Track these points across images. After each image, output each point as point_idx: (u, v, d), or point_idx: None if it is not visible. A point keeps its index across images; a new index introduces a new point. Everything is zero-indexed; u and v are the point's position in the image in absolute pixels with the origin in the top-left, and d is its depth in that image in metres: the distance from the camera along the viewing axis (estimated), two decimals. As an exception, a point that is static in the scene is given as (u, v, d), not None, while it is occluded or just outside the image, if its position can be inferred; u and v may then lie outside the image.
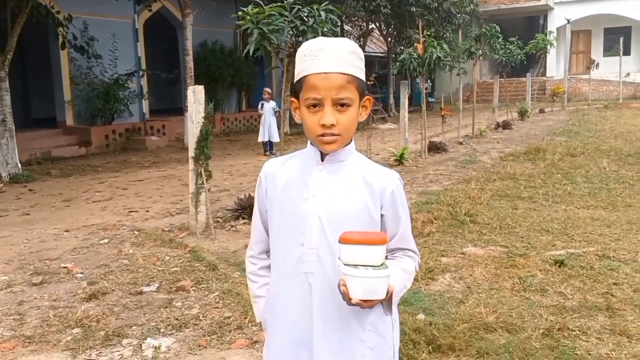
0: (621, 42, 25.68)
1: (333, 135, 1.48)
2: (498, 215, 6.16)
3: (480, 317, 3.56)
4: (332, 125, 1.46)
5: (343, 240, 1.36)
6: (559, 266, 4.45)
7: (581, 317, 3.55)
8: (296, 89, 1.53)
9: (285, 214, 1.56)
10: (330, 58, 1.46)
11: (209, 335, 3.50)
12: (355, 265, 1.34)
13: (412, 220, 5.74)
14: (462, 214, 6.14)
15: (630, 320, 3.49)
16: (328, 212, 1.52)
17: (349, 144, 1.55)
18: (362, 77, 1.53)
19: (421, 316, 3.62)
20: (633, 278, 4.18)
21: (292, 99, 1.57)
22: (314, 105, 1.48)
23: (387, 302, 1.44)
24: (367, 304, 1.36)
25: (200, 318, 3.77)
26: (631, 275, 4.25)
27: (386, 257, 1.42)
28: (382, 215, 1.55)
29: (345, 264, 1.35)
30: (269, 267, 1.68)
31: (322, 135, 1.48)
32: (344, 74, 1.47)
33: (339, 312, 1.51)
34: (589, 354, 3.08)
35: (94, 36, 13.51)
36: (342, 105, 1.47)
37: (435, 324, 3.45)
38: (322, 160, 1.55)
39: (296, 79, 1.53)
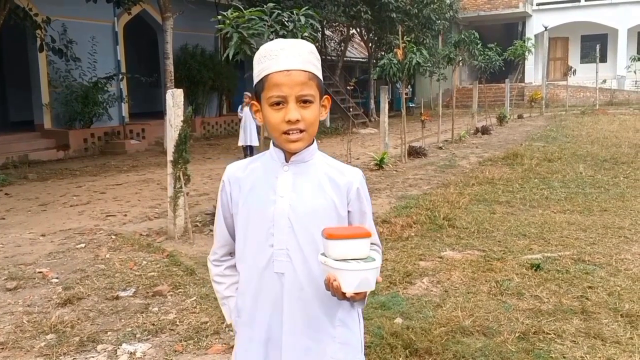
0: (597, 49, 26.17)
1: (299, 131, 1.50)
2: (476, 220, 6.21)
3: (457, 320, 3.59)
4: (298, 120, 1.48)
5: (330, 237, 1.38)
6: (535, 270, 4.50)
7: (556, 321, 3.59)
8: (257, 89, 1.55)
9: (253, 216, 1.57)
10: (292, 56, 1.49)
11: (185, 341, 3.47)
12: (346, 260, 1.37)
13: (391, 224, 5.76)
14: (441, 218, 6.18)
15: (605, 323, 3.54)
16: (297, 212, 1.54)
17: (311, 144, 1.58)
18: (321, 76, 1.56)
19: (399, 320, 3.63)
20: (608, 282, 4.24)
21: (253, 102, 1.60)
22: (278, 103, 1.50)
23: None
24: (358, 297, 1.41)
25: (177, 323, 3.74)
26: (606, 279, 4.32)
27: None
28: (348, 212, 1.59)
29: (334, 259, 1.37)
30: (233, 266, 1.69)
31: (287, 132, 1.50)
32: (306, 71, 1.50)
33: (309, 310, 1.55)
34: (564, 357, 3.12)
35: (73, 39, 13.38)
36: (305, 101, 1.50)
37: (413, 328, 3.46)
38: (287, 162, 1.57)
39: (257, 80, 1.54)
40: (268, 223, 1.55)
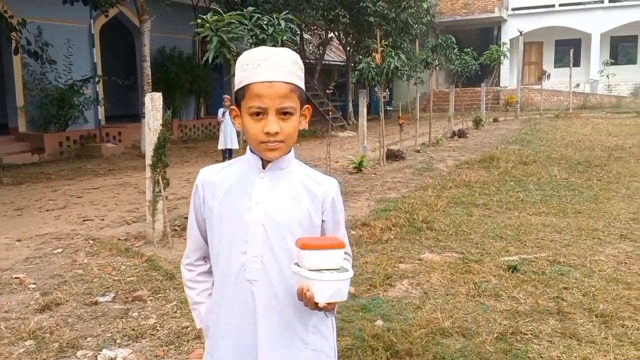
0: (571, 54, 26.63)
1: (277, 141, 1.50)
2: (454, 222, 6.29)
3: (437, 322, 3.64)
4: (277, 133, 1.48)
5: (305, 247, 1.39)
6: (512, 271, 4.58)
7: (533, 321, 3.66)
8: (237, 96, 1.54)
9: (226, 222, 1.57)
10: (274, 67, 1.49)
11: (166, 346, 3.45)
12: (320, 270, 1.37)
13: (370, 227, 5.80)
14: (420, 221, 6.25)
15: (580, 323, 3.62)
16: (271, 219, 1.54)
17: (289, 152, 1.58)
18: (303, 86, 1.56)
19: (379, 322, 3.66)
20: (582, 282, 4.34)
21: (233, 107, 1.60)
22: (257, 114, 1.49)
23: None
24: (331, 307, 1.42)
25: (158, 328, 3.72)
26: (581, 279, 4.41)
27: None
28: (322, 221, 1.60)
29: (308, 269, 1.38)
30: (207, 272, 1.69)
31: (266, 142, 1.50)
32: (288, 83, 1.49)
33: (283, 317, 1.55)
34: (541, 357, 3.19)
35: (49, 41, 13.16)
36: (285, 113, 1.50)
37: (393, 330, 3.50)
38: (264, 168, 1.57)
39: (238, 86, 1.54)
40: (242, 229, 1.54)
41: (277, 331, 1.55)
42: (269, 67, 1.48)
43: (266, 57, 1.50)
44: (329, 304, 1.39)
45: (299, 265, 1.41)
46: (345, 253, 1.63)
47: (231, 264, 1.56)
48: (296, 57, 1.55)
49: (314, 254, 1.38)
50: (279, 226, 1.53)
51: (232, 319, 1.58)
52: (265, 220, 1.53)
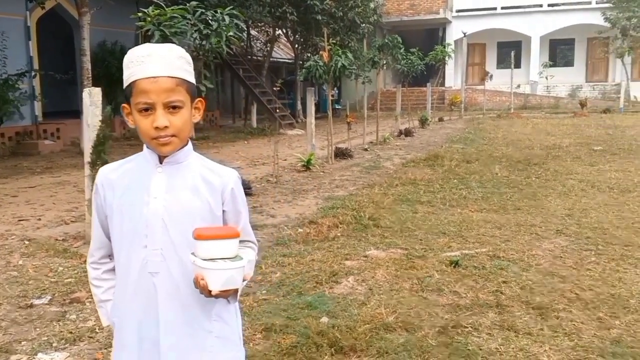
0: (512, 56, 27.53)
1: (168, 136, 1.52)
2: (399, 219, 6.38)
3: (381, 317, 3.67)
4: (166, 127, 1.51)
5: (199, 237, 1.43)
6: (454, 266, 4.68)
7: (473, 315, 3.75)
8: (126, 94, 1.56)
9: (126, 218, 1.60)
10: (158, 62, 1.52)
11: (105, 348, 3.34)
12: (213, 259, 1.42)
13: (318, 225, 5.79)
14: (366, 218, 6.30)
15: (518, 316, 3.73)
16: (170, 212, 1.57)
17: (185, 145, 1.61)
18: (192, 80, 1.60)
19: (325, 319, 3.67)
20: (520, 276, 4.48)
21: (123, 104, 1.61)
22: (146, 109, 1.52)
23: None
24: (225, 294, 1.46)
25: (97, 330, 3.60)
26: (519, 273, 4.56)
27: None
28: (223, 212, 1.64)
29: (202, 259, 1.42)
30: (112, 270, 1.71)
31: (157, 137, 1.53)
32: (173, 77, 1.52)
33: (185, 307, 1.58)
34: (480, 349, 3.26)
35: (-19, 33, 12.57)
36: (174, 107, 1.53)
37: (338, 326, 3.51)
38: (161, 163, 1.60)
39: (125, 84, 1.56)
40: (141, 224, 1.57)
41: (179, 321, 1.58)
42: (152, 63, 1.51)
43: (150, 53, 1.53)
44: (223, 291, 1.43)
45: (195, 255, 1.45)
46: (249, 241, 1.70)
47: (132, 258, 1.59)
48: (181, 51, 1.59)
49: (207, 243, 1.42)
50: (179, 219, 1.57)
51: (136, 312, 1.60)
52: (164, 214, 1.56)
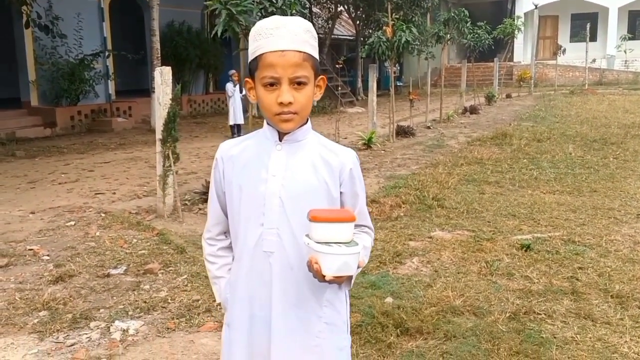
0: (588, 28, 26.07)
1: (291, 113, 1.48)
2: (465, 200, 6.24)
3: (448, 300, 3.61)
4: (290, 103, 1.46)
5: (314, 219, 1.38)
6: (525, 250, 4.54)
7: (547, 301, 3.62)
8: (251, 68, 1.52)
9: (244, 194, 1.56)
10: (287, 36, 1.45)
11: (177, 318, 3.47)
12: (328, 243, 1.36)
13: (380, 204, 5.75)
14: (430, 198, 6.20)
15: (595, 304, 3.57)
16: (288, 192, 1.53)
17: (305, 123, 1.56)
18: (317, 56, 1.53)
19: (389, 300, 3.65)
20: (598, 262, 4.29)
21: (247, 78, 1.57)
22: (271, 84, 1.47)
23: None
24: (338, 280, 1.40)
25: (169, 301, 3.73)
26: (596, 259, 4.36)
27: None
28: (340, 193, 1.58)
29: (317, 242, 1.37)
30: (227, 247, 1.69)
31: (280, 113, 1.48)
32: (301, 51, 1.46)
33: (298, 289, 1.55)
34: (555, 337, 3.15)
35: (59, 15, 13.08)
36: (299, 83, 1.47)
37: (404, 308, 3.48)
38: (280, 141, 1.56)
39: (251, 57, 1.52)
40: (259, 201, 1.54)
41: (291, 303, 1.55)
42: (281, 36, 1.45)
43: (278, 25, 1.47)
44: (337, 277, 1.38)
45: (309, 237, 1.40)
46: (364, 225, 1.63)
47: (249, 235, 1.56)
48: (308, 25, 1.52)
49: (323, 226, 1.37)
50: (296, 198, 1.52)
51: (249, 290, 1.58)
52: (282, 192, 1.52)
